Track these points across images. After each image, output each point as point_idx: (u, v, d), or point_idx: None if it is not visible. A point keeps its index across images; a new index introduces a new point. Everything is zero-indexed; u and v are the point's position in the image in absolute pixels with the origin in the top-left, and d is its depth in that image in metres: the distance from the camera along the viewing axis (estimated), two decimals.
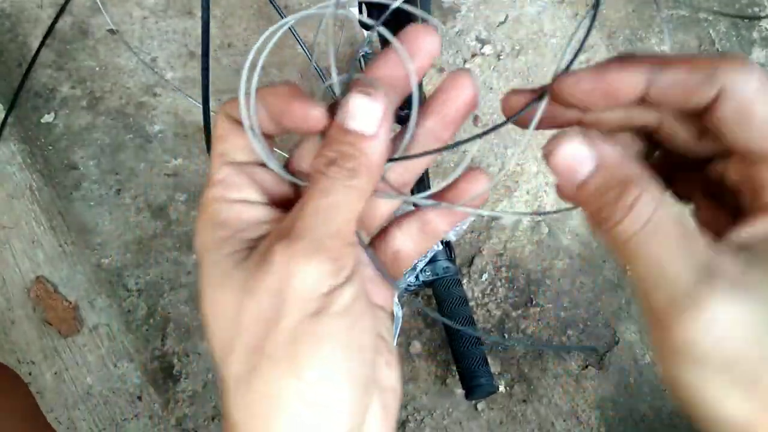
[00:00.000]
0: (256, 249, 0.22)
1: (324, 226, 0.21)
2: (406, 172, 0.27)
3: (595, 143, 0.21)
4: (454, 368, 0.83)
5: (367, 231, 0.28)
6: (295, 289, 0.20)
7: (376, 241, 0.27)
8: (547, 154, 0.22)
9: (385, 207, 0.28)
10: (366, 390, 0.23)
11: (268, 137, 0.25)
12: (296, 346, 0.20)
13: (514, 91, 0.25)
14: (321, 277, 0.21)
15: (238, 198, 0.23)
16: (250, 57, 0.24)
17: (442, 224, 0.27)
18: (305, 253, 0.21)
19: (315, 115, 0.23)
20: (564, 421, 0.87)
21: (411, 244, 0.27)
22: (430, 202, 0.26)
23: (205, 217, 0.23)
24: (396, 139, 0.25)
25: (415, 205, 0.26)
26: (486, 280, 0.95)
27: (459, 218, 0.28)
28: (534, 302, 0.94)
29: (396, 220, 0.27)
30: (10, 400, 0.52)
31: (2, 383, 0.54)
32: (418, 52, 0.24)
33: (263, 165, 0.25)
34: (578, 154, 0.21)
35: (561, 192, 0.23)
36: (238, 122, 0.24)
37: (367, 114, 0.22)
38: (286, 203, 0.25)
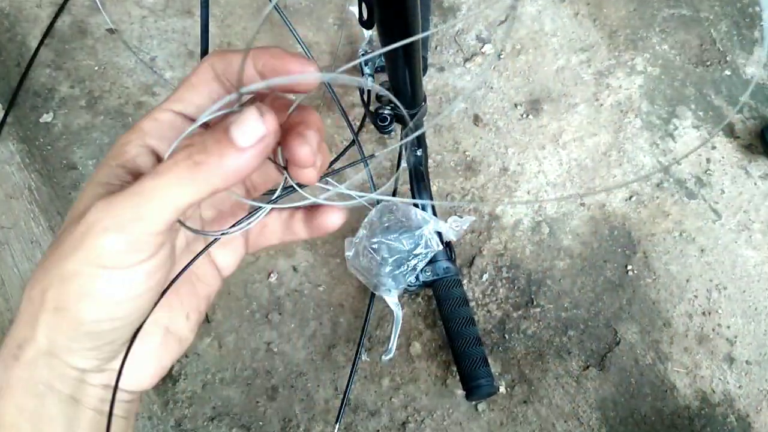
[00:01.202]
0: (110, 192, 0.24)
1: (136, 209, 0.23)
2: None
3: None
4: (455, 369, 0.83)
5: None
6: (89, 247, 0.23)
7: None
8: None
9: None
10: (116, 336, 0.25)
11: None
12: (68, 283, 0.23)
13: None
14: (111, 251, 0.23)
15: (150, 147, 0.26)
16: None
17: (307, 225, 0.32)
18: (107, 226, 0.23)
19: (311, 70, 0.24)
20: (565, 422, 0.87)
21: (278, 227, 0.32)
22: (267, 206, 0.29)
23: (115, 152, 0.26)
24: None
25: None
26: (486, 280, 0.94)
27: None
28: (535, 303, 0.93)
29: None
30: None
31: None
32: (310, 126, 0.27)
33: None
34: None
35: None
36: (218, 80, 0.26)
37: (250, 128, 0.23)
38: None
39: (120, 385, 0.25)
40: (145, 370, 0.28)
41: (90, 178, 0.25)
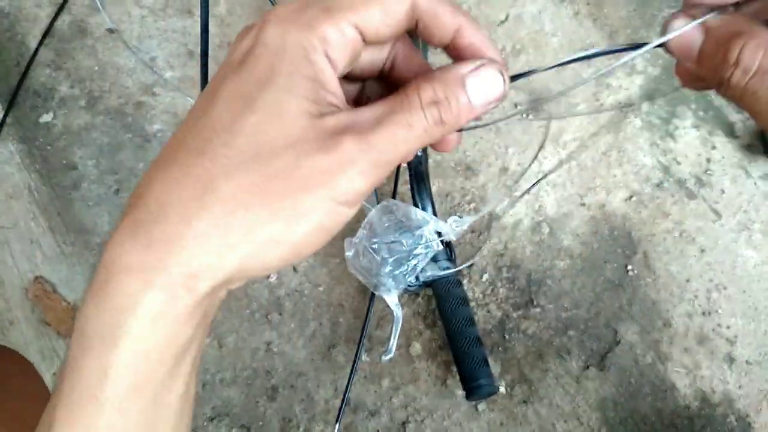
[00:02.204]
0: (327, 118, 0.22)
1: (388, 154, 0.22)
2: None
3: (698, 16, 0.23)
4: (455, 369, 0.83)
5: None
6: (336, 184, 0.22)
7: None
8: (666, 42, 0.24)
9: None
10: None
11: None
12: (300, 216, 0.22)
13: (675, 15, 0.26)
14: (359, 191, 0.22)
15: (337, 63, 0.23)
16: None
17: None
18: (364, 168, 0.22)
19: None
20: (565, 422, 0.87)
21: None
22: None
23: (302, 44, 0.22)
24: None
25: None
26: (486, 280, 0.94)
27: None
28: (535, 303, 0.93)
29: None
30: (21, 383, 0.53)
31: (12, 367, 0.55)
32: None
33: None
34: (686, 32, 0.23)
35: (684, 75, 0.25)
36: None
37: (490, 91, 0.23)
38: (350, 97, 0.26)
39: (247, 273, 0.23)
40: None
41: (271, 81, 0.22)
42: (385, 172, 0.23)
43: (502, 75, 0.23)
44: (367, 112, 0.23)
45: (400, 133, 0.22)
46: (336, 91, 0.23)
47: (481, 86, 0.23)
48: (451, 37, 0.25)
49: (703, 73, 0.24)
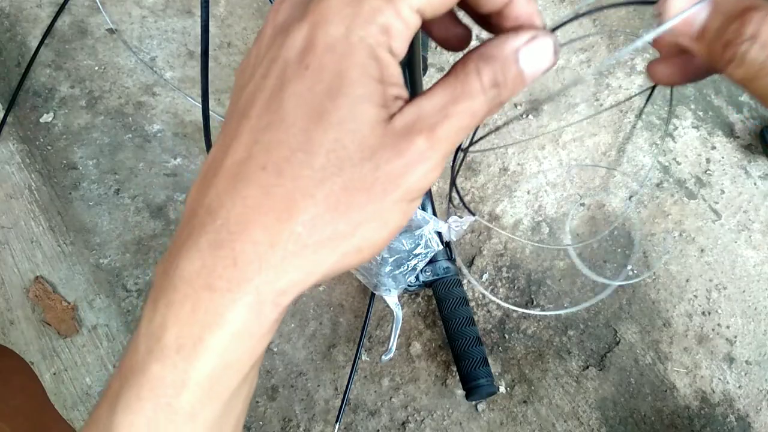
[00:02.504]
0: (396, 120, 0.22)
1: (454, 143, 0.22)
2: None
3: None
4: (455, 369, 0.83)
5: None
6: (410, 184, 0.21)
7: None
8: (660, 14, 0.22)
9: None
10: None
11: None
12: (381, 223, 0.22)
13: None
14: (427, 178, 0.22)
15: (399, 52, 0.22)
16: None
17: None
18: (436, 162, 0.22)
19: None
20: (565, 422, 0.87)
21: None
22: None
23: (368, 41, 0.21)
24: None
25: None
26: (486, 280, 0.95)
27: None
28: (534, 302, 0.93)
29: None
30: (18, 381, 0.54)
31: (9, 365, 0.56)
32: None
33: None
34: (690, 6, 0.22)
35: (663, 70, 0.24)
36: None
37: (542, 62, 0.23)
38: None
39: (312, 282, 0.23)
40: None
41: (343, 90, 0.21)
42: (447, 159, 0.23)
43: (554, 44, 0.23)
44: (429, 103, 0.22)
45: (465, 121, 0.22)
46: (399, 81, 0.23)
47: (534, 58, 0.22)
48: (503, 4, 0.24)
49: (702, 52, 0.23)
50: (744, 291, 0.94)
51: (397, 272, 0.80)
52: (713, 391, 0.88)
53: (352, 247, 0.22)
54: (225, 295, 0.21)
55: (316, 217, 0.21)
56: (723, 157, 1.03)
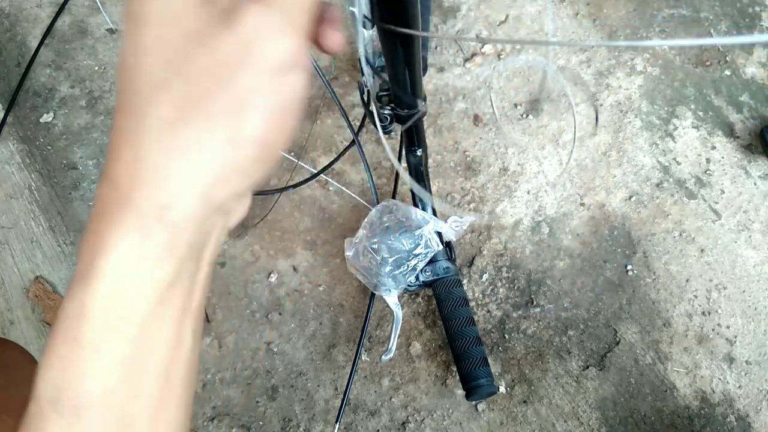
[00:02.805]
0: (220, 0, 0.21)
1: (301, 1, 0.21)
2: None
3: None
4: (455, 369, 0.83)
5: None
6: (260, 56, 0.20)
7: None
8: None
9: None
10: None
11: None
12: (243, 106, 0.20)
13: None
14: (288, 50, 0.21)
15: None
16: None
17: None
18: (281, 25, 0.20)
19: None
20: (565, 422, 0.87)
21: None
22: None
23: None
24: None
25: None
26: (486, 280, 0.95)
27: None
28: (534, 302, 0.93)
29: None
30: (22, 374, 0.53)
31: (13, 357, 0.56)
32: None
33: None
34: None
35: None
36: None
37: None
38: None
39: (230, 222, 0.24)
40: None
41: None
42: (307, 18, 0.22)
43: None
44: None
45: None
46: None
47: None
48: None
49: None
50: (744, 291, 0.94)
51: (397, 272, 0.80)
52: (713, 391, 0.88)
53: (224, 142, 0.21)
54: (112, 220, 0.21)
55: (170, 122, 0.20)
56: (723, 157, 1.03)
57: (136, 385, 0.22)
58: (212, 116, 0.20)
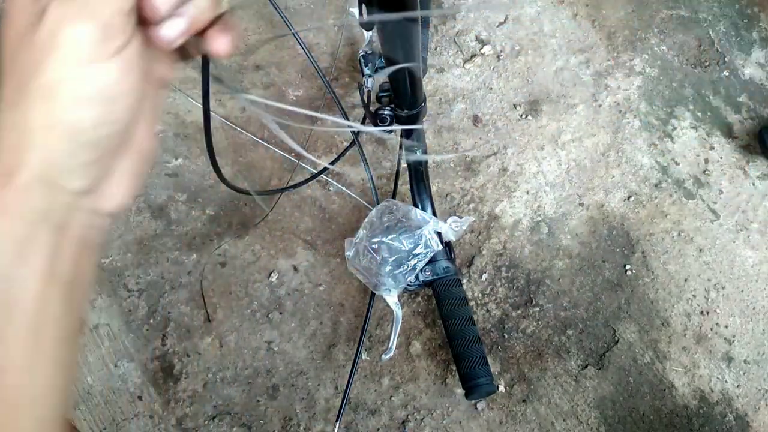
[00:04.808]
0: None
1: None
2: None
3: None
4: (454, 368, 0.83)
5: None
6: (62, 46, 0.22)
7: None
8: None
9: None
10: (110, 144, 0.25)
11: None
12: (55, 92, 0.23)
13: None
14: (87, 39, 0.22)
15: None
16: None
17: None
18: (77, 15, 0.22)
19: None
20: (564, 420, 0.87)
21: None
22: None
23: None
24: None
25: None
26: (486, 280, 0.95)
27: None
28: (534, 302, 0.94)
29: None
30: None
31: None
32: None
33: None
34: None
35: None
36: None
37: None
38: None
39: (100, 206, 0.26)
40: (120, 186, 0.28)
41: None
42: (112, 10, 0.23)
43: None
44: None
45: None
46: None
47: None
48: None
49: None
50: (742, 291, 0.94)
51: (397, 272, 0.80)
52: (712, 391, 0.89)
53: (40, 126, 0.23)
54: None
55: (8, 103, 0.23)
56: (721, 158, 1.04)
57: (2, 335, 0.24)
58: (30, 102, 0.23)
